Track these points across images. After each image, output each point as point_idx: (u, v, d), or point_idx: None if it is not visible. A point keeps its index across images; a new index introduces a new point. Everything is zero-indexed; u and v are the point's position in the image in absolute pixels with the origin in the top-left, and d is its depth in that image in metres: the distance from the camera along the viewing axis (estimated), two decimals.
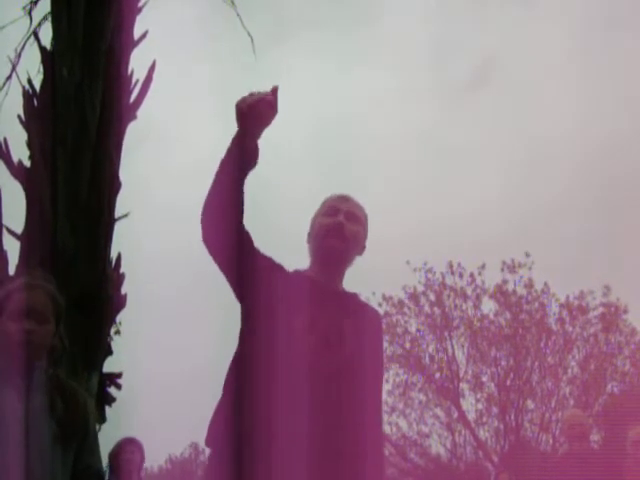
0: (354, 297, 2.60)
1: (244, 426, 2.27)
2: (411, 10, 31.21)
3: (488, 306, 18.72)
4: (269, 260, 2.50)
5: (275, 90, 2.34)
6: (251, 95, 2.33)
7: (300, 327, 2.36)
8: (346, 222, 2.52)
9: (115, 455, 5.43)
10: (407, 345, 18.88)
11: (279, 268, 2.51)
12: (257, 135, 2.38)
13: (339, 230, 2.51)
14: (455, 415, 18.88)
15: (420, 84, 32.71)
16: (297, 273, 2.56)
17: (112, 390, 6.33)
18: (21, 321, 2.58)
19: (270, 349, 2.31)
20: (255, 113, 2.32)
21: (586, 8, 33.22)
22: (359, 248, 2.60)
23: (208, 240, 2.39)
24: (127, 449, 5.47)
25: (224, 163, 2.38)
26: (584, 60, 32.10)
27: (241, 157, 2.37)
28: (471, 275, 18.58)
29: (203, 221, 2.39)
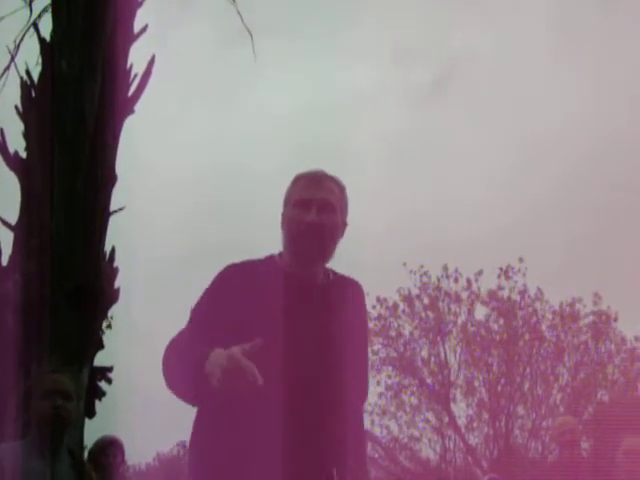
0: (333, 282, 2.41)
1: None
2: (381, 10, 31.05)
3: (481, 311, 18.76)
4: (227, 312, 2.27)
5: (256, 345, 2.01)
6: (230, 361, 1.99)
7: (282, 333, 2.18)
8: (320, 216, 2.29)
9: (95, 455, 5.18)
10: (400, 348, 18.88)
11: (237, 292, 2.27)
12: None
13: (312, 231, 2.28)
14: (446, 420, 18.89)
15: (399, 85, 32.55)
16: (270, 264, 2.38)
17: (102, 384, 6.31)
18: (52, 399, 3.09)
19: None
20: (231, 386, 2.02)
21: (561, 5, 33.11)
22: (339, 233, 2.39)
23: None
24: (107, 452, 5.20)
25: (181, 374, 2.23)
26: (559, 58, 32.05)
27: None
28: (467, 280, 18.60)
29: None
